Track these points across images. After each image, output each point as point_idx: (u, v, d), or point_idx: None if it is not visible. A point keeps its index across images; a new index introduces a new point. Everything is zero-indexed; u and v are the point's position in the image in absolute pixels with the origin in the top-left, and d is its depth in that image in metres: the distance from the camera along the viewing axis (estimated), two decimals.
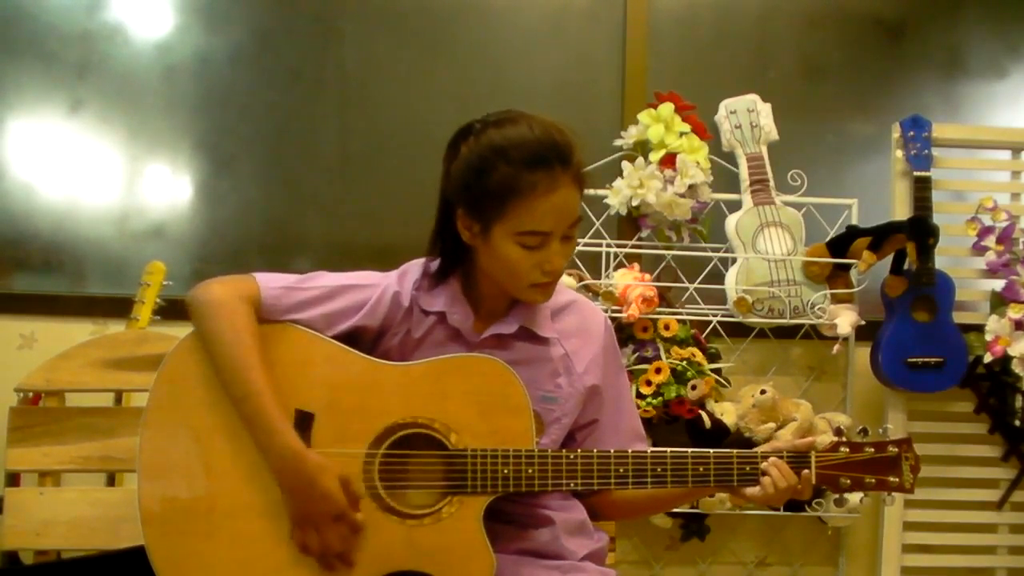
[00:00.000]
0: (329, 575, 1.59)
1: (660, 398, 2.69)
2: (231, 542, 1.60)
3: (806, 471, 1.65)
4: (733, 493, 1.69)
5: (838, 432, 1.70)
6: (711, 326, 2.86)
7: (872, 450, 1.68)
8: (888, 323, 2.88)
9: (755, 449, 1.69)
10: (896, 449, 1.68)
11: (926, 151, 2.89)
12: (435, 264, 1.71)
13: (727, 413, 2.78)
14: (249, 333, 1.61)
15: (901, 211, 2.92)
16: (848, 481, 1.66)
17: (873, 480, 1.67)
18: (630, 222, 2.94)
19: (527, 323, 1.70)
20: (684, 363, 2.73)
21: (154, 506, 1.61)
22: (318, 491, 1.56)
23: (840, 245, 2.85)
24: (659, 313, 2.78)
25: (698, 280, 2.89)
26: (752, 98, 2.94)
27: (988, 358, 2.86)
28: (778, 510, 2.60)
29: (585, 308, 1.81)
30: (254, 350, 1.60)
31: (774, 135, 2.92)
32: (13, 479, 2.17)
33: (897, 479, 1.67)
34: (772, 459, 1.65)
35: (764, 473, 1.64)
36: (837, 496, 1.70)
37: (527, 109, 1.65)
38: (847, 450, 1.67)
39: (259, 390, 1.58)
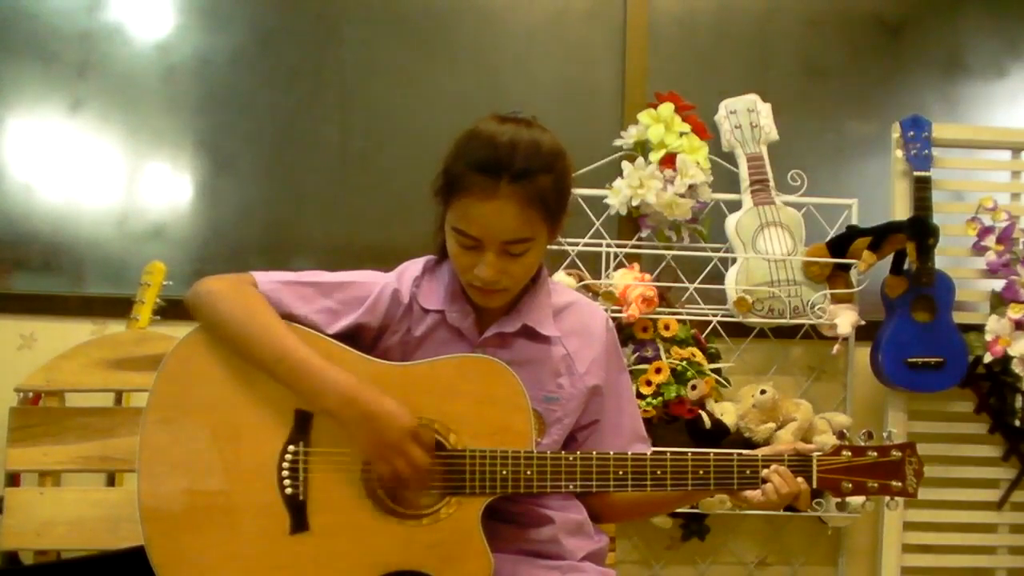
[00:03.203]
0: (327, 573, 1.59)
1: (660, 398, 2.69)
2: (231, 540, 1.60)
3: (802, 479, 1.64)
4: (733, 496, 1.69)
5: (841, 436, 1.69)
6: (711, 326, 2.86)
7: (875, 454, 1.66)
8: (888, 323, 2.88)
9: (756, 451, 1.69)
10: (900, 453, 1.67)
11: (926, 151, 2.89)
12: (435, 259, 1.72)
13: (727, 413, 2.78)
14: (261, 305, 1.62)
15: (901, 211, 2.92)
16: (850, 485, 1.65)
17: (876, 485, 1.66)
18: (630, 222, 2.95)
19: (529, 322, 1.70)
20: (684, 363, 2.73)
21: (154, 504, 1.61)
22: (386, 409, 1.56)
23: (840, 245, 2.85)
24: (659, 313, 2.78)
25: (698, 280, 2.89)
26: (752, 98, 2.94)
27: (988, 358, 2.86)
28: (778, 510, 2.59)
29: (586, 308, 1.80)
30: (272, 315, 1.61)
31: (774, 135, 2.92)
32: (13, 479, 2.17)
33: (900, 484, 1.66)
34: (774, 466, 1.64)
35: (765, 480, 1.64)
36: (839, 500, 1.68)
37: (527, 110, 1.65)
38: (849, 454, 1.66)
39: (292, 345, 1.59)
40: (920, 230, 2.79)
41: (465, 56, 3.10)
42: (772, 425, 2.75)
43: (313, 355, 1.59)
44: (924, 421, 2.98)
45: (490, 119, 1.62)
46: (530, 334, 1.70)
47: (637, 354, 2.75)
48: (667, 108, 2.87)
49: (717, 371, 2.81)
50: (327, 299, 1.67)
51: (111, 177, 2.96)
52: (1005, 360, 2.86)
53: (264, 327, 1.60)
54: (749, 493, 1.65)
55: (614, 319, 1.87)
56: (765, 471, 1.64)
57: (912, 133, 2.90)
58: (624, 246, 2.89)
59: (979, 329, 2.90)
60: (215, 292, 1.63)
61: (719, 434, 2.74)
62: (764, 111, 2.93)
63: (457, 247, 1.60)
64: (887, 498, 1.69)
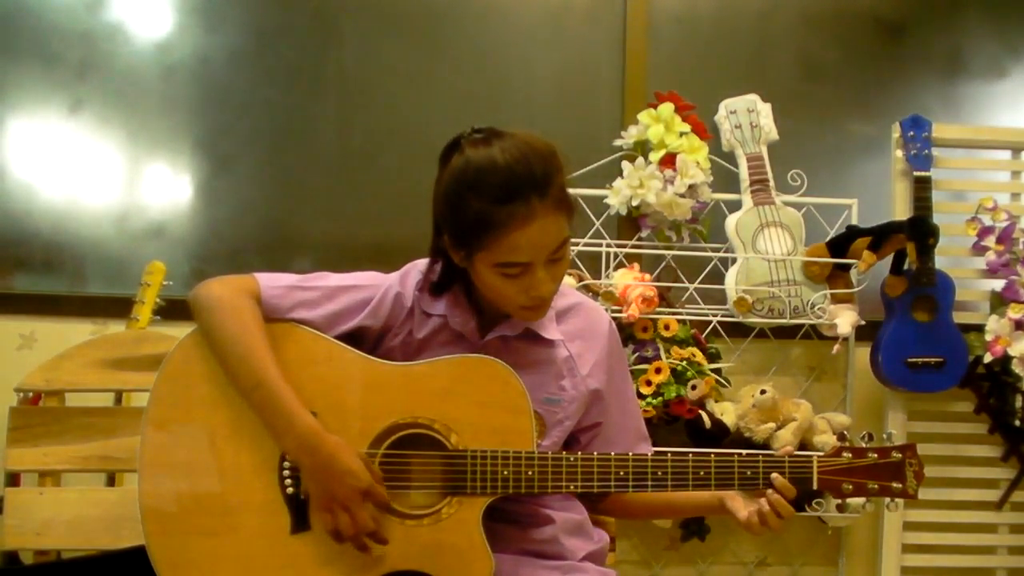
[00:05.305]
0: (328, 572, 1.59)
1: (660, 398, 2.69)
2: (233, 540, 1.60)
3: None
4: (732, 512, 1.67)
5: (841, 437, 1.68)
6: (711, 326, 2.86)
7: (875, 456, 1.66)
8: (888, 323, 2.88)
9: (758, 454, 1.68)
10: (900, 455, 1.66)
11: (926, 151, 2.89)
12: (437, 269, 1.70)
13: (727, 413, 2.78)
14: (254, 324, 1.61)
15: (901, 211, 2.92)
16: (851, 487, 1.64)
17: (876, 486, 1.65)
18: (630, 222, 2.95)
19: (532, 325, 1.69)
20: (684, 363, 2.73)
21: (155, 504, 1.61)
22: (342, 467, 1.54)
23: (840, 245, 2.85)
24: (659, 313, 2.78)
25: (698, 280, 2.89)
26: (752, 98, 2.94)
27: (988, 358, 2.86)
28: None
29: (590, 310, 1.80)
30: (261, 339, 1.60)
31: (774, 135, 2.92)
32: (13, 479, 2.17)
33: (901, 485, 1.65)
34: (771, 497, 1.62)
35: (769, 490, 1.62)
36: (839, 502, 1.67)
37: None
38: (850, 455, 1.65)
39: (271, 376, 1.57)
40: (920, 230, 2.79)
41: (465, 55, 3.10)
42: (772, 425, 2.75)
43: (287, 391, 1.57)
44: (924, 421, 2.97)
45: (473, 149, 1.55)
46: (533, 337, 1.70)
47: (637, 354, 2.75)
48: (667, 108, 2.87)
49: (717, 371, 2.81)
50: (330, 302, 1.67)
51: (111, 177, 2.96)
52: (1005, 360, 2.85)
53: (249, 349, 1.59)
54: (747, 518, 1.64)
55: (614, 319, 1.86)
56: (765, 504, 1.62)
57: (912, 133, 2.90)
58: (624, 246, 2.89)
59: (979, 329, 2.90)
60: (214, 299, 1.63)
61: (719, 434, 2.74)
62: (764, 111, 2.93)
63: (502, 280, 1.57)
64: (887, 499, 1.68)
